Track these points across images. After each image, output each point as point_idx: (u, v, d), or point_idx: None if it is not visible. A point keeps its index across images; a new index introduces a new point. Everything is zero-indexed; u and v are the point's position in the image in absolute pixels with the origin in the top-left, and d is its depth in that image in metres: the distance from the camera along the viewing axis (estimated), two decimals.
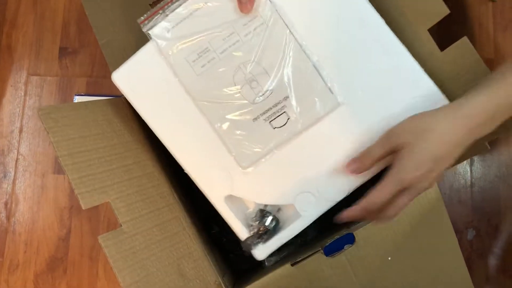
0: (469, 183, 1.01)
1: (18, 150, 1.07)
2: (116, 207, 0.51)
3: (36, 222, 1.04)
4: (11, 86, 1.10)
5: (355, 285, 0.60)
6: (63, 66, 1.10)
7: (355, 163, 0.57)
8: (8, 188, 1.06)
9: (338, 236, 0.60)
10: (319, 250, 0.59)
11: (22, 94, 1.10)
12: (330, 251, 0.60)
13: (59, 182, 1.05)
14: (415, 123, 0.52)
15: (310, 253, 0.59)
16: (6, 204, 1.05)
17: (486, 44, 1.05)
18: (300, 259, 0.59)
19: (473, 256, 0.98)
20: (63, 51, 1.11)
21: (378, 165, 0.57)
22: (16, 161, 1.07)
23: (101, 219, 1.04)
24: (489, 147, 0.61)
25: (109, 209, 1.04)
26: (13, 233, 1.04)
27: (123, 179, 0.54)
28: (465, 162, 1.02)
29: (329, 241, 0.60)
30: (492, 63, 1.04)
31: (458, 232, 0.99)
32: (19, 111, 1.09)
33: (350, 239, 0.60)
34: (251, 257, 0.75)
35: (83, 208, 0.47)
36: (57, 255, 1.03)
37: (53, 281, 1.02)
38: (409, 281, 0.61)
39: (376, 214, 0.53)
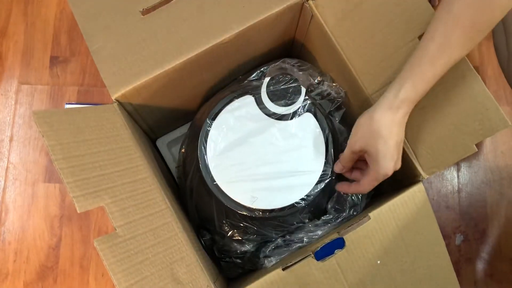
0: (456, 188, 1.03)
1: (8, 159, 1.07)
2: (110, 211, 0.52)
3: (26, 231, 1.04)
4: (2, 94, 1.10)
5: (341, 284, 0.61)
6: (54, 75, 1.10)
7: (338, 165, 0.67)
8: None
9: (328, 241, 0.61)
10: (310, 254, 0.60)
11: (13, 102, 1.10)
12: (320, 256, 0.60)
13: (49, 191, 1.05)
14: (365, 129, 0.60)
15: (301, 257, 0.60)
16: None
17: (471, 53, 1.08)
18: (291, 263, 0.60)
19: (461, 261, 0.99)
20: (54, 60, 1.11)
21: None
22: (6, 169, 1.07)
23: (92, 228, 1.04)
24: (476, 149, 0.63)
25: (100, 218, 1.04)
26: (3, 242, 1.03)
27: (116, 184, 0.55)
28: (452, 168, 1.04)
29: (319, 246, 0.61)
30: (477, 71, 1.06)
31: (446, 237, 1.00)
32: (10, 119, 1.09)
33: (340, 244, 0.61)
34: (242, 264, 0.76)
35: (78, 211, 0.48)
36: (47, 264, 1.02)
37: None
38: (398, 284, 0.62)
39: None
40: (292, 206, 0.67)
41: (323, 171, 0.68)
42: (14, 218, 1.04)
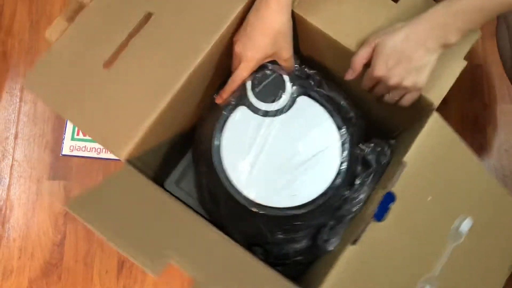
0: None
1: (13, 156, 1.07)
2: (181, 265, 0.50)
3: (31, 228, 1.04)
4: (7, 92, 1.10)
5: (409, 234, 0.62)
6: None
7: (349, 71, 0.67)
8: (3, 194, 1.06)
9: (380, 200, 0.62)
10: (370, 219, 0.60)
11: (18, 100, 1.10)
12: (380, 216, 0.61)
13: (54, 188, 1.06)
14: (390, 28, 0.62)
15: (363, 226, 0.60)
16: (0, 210, 1.05)
17: (475, 51, 1.08)
18: (357, 236, 0.59)
19: None
20: None
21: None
22: (11, 167, 1.07)
23: None
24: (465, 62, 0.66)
25: None
26: (7, 239, 1.04)
27: (171, 236, 0.56)
28: None
29: (374, 207, 0.62)
30: (481, 70, 1.07)
31: None
32: (14, 117, 1.09)
33: (391, 197, 0.61)
34: (304, 260, 0.76)
35: (155, 277, 0.47)
36: (52, 261, 1.03)
37: (47, 287, 1.02)
38: (452, 212, 0.64)
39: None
40: (331, 187, 0.67)
41: (341, 138, 0.69)
42: (19, 215, 1.05)
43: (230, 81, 0.69)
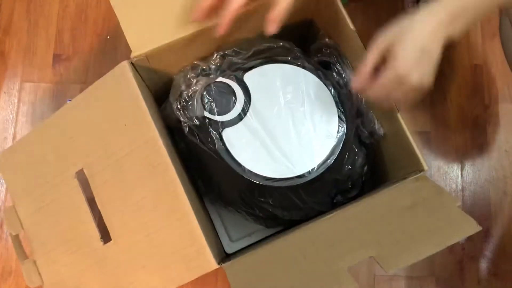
0: (460, 187, 1.03)
1: None
2: None
3: None
4: (5, 92, 1.10)
5: None
6: (57, 73, 1.10)
7: (356, 80, 0.61)
8: (1, 195, 1.05)
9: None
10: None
11: (16, 101, 1.10)
12: None
13: None
14: (398, 26, 0.57)
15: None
16: None
17: (475, 51, 1.08)
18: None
19: (465, 260, 0.99)
20: (57, 58, 1.11)
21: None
22: None
23: None
24: None
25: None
26: (6, 240, 1.03)
27: None
28: (456, 166, 1.04)
29: None
30: (481, 70, 1.06)
31: None
32: (13, 117, 1.09)
33: None
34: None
35: None
36: None
37: None
38: None
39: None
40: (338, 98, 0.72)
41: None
42: None
43: (226, 7, 0.61)
